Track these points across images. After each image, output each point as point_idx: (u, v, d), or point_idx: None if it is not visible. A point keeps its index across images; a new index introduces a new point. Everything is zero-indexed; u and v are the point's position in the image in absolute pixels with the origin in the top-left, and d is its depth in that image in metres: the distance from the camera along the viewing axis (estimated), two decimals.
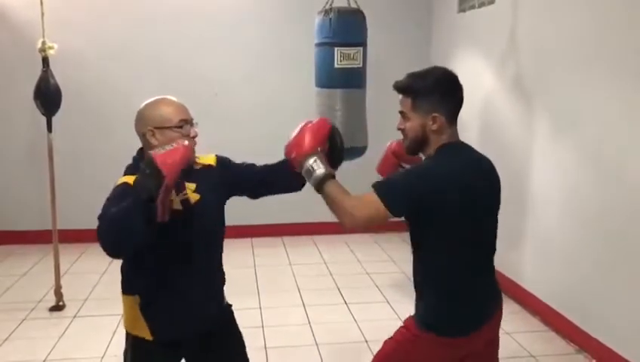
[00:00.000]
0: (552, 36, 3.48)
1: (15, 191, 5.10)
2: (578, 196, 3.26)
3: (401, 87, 1.81)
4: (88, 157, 5.13)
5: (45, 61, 3.58)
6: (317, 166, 1.74)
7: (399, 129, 1.85)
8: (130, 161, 1.93)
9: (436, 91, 1.76)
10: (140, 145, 1.90)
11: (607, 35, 3.02)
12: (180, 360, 1.96)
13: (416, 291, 1.88)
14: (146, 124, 1.81)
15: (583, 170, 3.22)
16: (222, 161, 1.99)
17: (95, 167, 5.14)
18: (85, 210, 5.16)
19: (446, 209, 1.69)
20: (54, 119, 3.70)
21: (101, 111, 5.11)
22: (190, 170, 1.81)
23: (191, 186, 1.84)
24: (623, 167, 2.90)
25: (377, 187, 1.70)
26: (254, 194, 2.05)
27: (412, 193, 1.69)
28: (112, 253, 1.62)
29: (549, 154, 3.53)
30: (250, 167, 2.02)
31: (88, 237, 5.03)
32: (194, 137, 1.82)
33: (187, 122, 1.82)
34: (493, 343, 1.92)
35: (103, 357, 3.16)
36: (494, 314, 1.86)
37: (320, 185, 1.73)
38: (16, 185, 5.09)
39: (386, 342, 1.90)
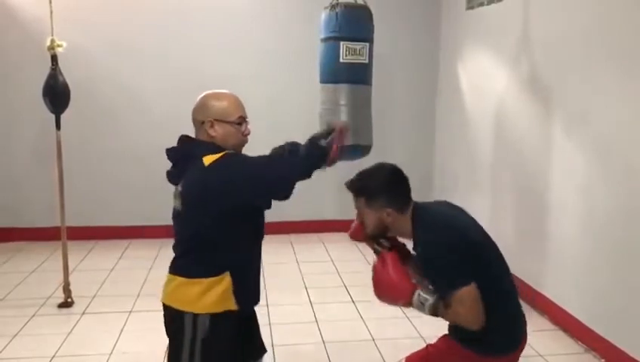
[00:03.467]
0: (563, 33, 3.45)
1: (24, 188, 5.13)
2: (589, 196, 3.24)
3: (353, 189, 2.07)
4: (97, 154, 5.15)
5: (54, 59, 3.59)
6: (424, 299, 1.90)
7: (358, 222, 2.10)
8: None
9: (384, 192, 2.00)
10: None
11: (619, 31, 2.99)
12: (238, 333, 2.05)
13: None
14: (208, 115, 1.90)
15: (595, 170, 3.19)
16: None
17: (103, 164, 5.17)
18: (94, 206, 5.25)
19: (478, 251, 1.93)
20: (63, 117, 3.72)
21: (110, 108, 5.12)
22: None
23: None
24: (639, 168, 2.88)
25: (452, 286, 1.86)
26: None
27: (462, 259, 1.88)
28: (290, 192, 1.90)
29: (564, 154, 3.49)
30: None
31: (97, 234, 5.16)
32: (247, 135, 1.96)
33: (244, 119, 1.95)
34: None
35: (111, 354, 3.17)
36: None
37: (435, 311, 1.91)
38: (26, 182, 5.12)
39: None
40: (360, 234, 2.16)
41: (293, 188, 1.90)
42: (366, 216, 2.03)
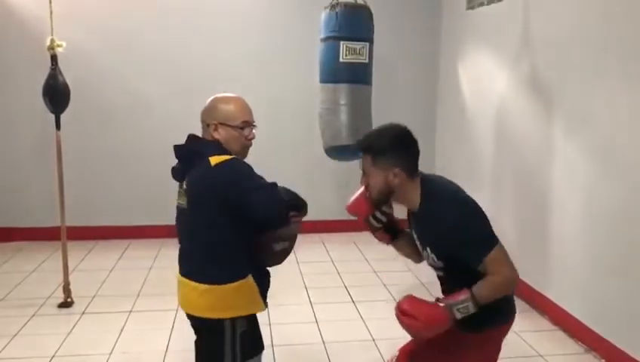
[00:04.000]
0: (563, 32, 3.45)
1: (24, 188, 5.13)
2: (589, 196, 3.23)
3: (362, 146, 1.97)
4: (97, 154, 5.15)
5: (54, 59, 3.59)
6: (464, 309, 1.81)
7: (363, 185, 1.99)
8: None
9: (393, 149, 1.91)
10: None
11: (619, 30, 2.98)
12: None
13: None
14: (213, 117, 1.94)
15: (596, 169, 3.19)
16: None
17: (104, 164, 5.17)
18: (94, 206, 5.24)
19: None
20: (63, 116, 3.71)
21: (109, 108, 5.12)
22: None
23: None
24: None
25: (486, 247, 1.84)
26: None
27: (484, 222, 1.90)
28: (274, 213, 1.94)
29: (564, 153, 3.49)
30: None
31: (97, 234, 5.15)
32: (251, 139, 1.99)
33: (249, 124, 1.97)
34: None
35: (111, 354, 3.17)
36: None
37: (478, 308, 1.82)
38: (26, 182, 5.12)
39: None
40: (360, 208, 2.05)
41: (276, 214, 1.96)
42: (372, 177, 1.93)
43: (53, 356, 3.15)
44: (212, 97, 2.01)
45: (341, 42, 3.86)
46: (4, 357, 3.14)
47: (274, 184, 1.96)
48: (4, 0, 4.93)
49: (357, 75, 3.95)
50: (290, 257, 4.17)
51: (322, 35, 4.01)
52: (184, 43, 5.14)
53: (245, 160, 2.02)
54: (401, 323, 1.84)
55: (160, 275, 4.24)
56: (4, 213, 5.10)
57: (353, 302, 3.90)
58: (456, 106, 4.99)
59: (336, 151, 4.09)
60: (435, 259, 1.95)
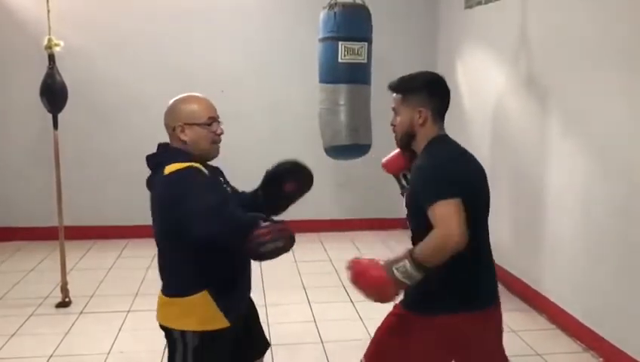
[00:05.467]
0: (561, 32, 3.45)
1: (22, 187, 5.12)
2: (587, 194, 3.24)
3: (393, 86, 2.00)
4: (95, 154, 5.15)
5: (51, 58, 3.58)
6: (402, 268, 1.72)
7: (392, 125, 2.00)
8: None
9: (423, 89, 1.94)
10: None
11: (617, 30, 2.99)
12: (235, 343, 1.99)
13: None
14: (177, 119, 1.88)
15: (592, 169, 3.19)
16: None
17: (101, 163, 5.16)
18: (92, 206, 5.24)
19: (470, 199, 1.78)
20: (60, 116, 3.71)
21: (107, 107, 5.12)
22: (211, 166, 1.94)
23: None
24: (636, 165, 2.88)
25: (437, 194, 1.73)
26: None
27: (456, 178, 1.79)
28: (217, 234, 1.70)
29: (561, 152, 3.49)
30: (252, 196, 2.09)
31: (95, 234, 5.14)
32: (220, 134, 1.92)
33: (215, 120, 1.91)
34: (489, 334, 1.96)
35: (108, 354, 3.16)
36: (488, 306, 1.92)
37: (420, 270, 1.72)
38: (24, 182, 5.12)
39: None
40: (393, 163, 2.11)
41: (215, 238, 1.71)
42: (400, 117, 1.95)
43: (51, 355, 3.14)
44: (171, 100, 1.93)
45: (340, 42, 3.86)
46: (2, 357, 3.13)
47: (223, 201, 1.77)
48: (2, 0, 4.93)
49: (356, 75, 3.95)
50: (289, 256, 4.16)
51: (321, 36, 4.01)
52: (183, 43, 5.14)
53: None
54: (354, 286, 1.85)
55: (158, 275, 4.22)
56: (2, 213, 5.09)
57: (351, 301, 3.90)
58: (453, 105, 4.96)
59: (336, 151, 4.09)
60: (405, 207, 1.94)
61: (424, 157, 1.90)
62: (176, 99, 1.93)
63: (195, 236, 1.70)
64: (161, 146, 1.96)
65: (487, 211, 1.97)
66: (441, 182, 1.78)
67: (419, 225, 1.85)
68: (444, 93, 1.99)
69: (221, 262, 1.84)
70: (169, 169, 1.80)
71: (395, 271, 1.72)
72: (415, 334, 1.89)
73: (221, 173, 2.02)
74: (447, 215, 1.70)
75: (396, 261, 1.74)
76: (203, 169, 1.84)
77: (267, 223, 1.71)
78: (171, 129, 1.90)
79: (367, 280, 1.79)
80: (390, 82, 2.01)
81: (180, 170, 1.79)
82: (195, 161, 1.85)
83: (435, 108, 1.94)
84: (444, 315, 1.84)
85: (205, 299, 1.83)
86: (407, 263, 1.71)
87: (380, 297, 1.79)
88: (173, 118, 1.89)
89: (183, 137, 1.87)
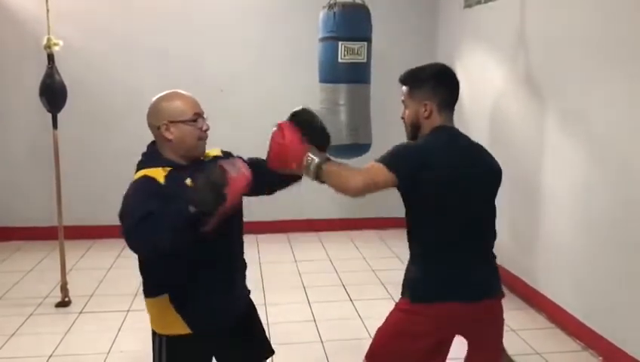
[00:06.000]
0: (560, 31, 3.46)
1: (22, 187, 5.12)
2: (586, 193, 3.24)
3: (401, 78, 2.04)
4: (94, 153, 5.14)
5: (50, 58, 3.58)
6: (310, 159, 1.84)
7: (402, 118, 2.04)
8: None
9: (429, 82, 1.95)
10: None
11: (616, 29, 2.99)
12: (214, 351, 1.97)
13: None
14: (161, 118, 1.82)
15: (591, 168, 3.20)
16: (227, 154, 1.99)
17: (101, 162, 5.16)
18: (91, 205, 5.23)
19: (434, 183, 1.84)
20: (60, 115, 3.71)
21: (107, 107, 5.12)
22: (200, 162, 1.85)
23: None
24: (635, 164, 2.88)
25: (381, 157, 1.86)
26: (264, 190, 2.05)
27: (410, 160, 1.86)
28: (145, 252, 1.69)
29: (558, 150, 3.50)
30: (260, 162, 1.98)
31: (94, 234, 5.14)
32: (206, 130, 1.87)
33: (200, 115, 1.86)
34: (486, 327, 1.98)
35: (108, 353, 3.17)
36: (479, 301, 1.92)
37: (319, 171, 1.83)
38: (23, 182, 5.12)
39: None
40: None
41: (150, 250, 1.65)
42: (407, 110, 1.99)
43: (51, 355, 3.14)
44: (153, 99, 1.88)
45: (339, 42, 3.86)
46: (2, 357, 3.14)
47: (148, 213, 1.59)
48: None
49: (356, 75, 3.95)
50: (288, 256, 4.15)
51: (320, 35, 4.01)
52: (183, 43, 5.13)
53: (236, 154, 1.96)
54: (272, 137, 1.88)
55: None
56: (1, 212, 5.09)
57: (351, 300, 3.90)
58: None
59: (336, 151, 4.07)
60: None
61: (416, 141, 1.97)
62: (158, 97, 1.86)
63: (137, 253, 1.70)
64: (148, 146, 1.93)
65: (468, 212, 1.91)
66: (393, 154, 1.87)
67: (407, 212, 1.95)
68: (451, 84, 1.99)
69: (177, 270, 1.80)
70: (136, 175, 1.80)
71: (305, 159, 1.83)
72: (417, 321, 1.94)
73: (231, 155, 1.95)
74: (370, 172, 1.83)
75: (313, 150, 1.85)
76: (158, 178, 1.75)
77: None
78: (156, 128, 1.84)
79: (285, 147, 1.85)
80: (400, 75, 2.05)
81: (137, 179, 1.78)
82: (169, 164, 1.80)
83: (442, 101, 1.96)
84: (415, 299, 1.94)
85: (163, 303, 1.84)
86: (313, 160, 1.83)
87: (278, 153, 1.85)
88: (157, 117, 1.83)
89: (169, 135, 1.81)
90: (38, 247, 4.83)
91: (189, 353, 1.87)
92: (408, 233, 2.02)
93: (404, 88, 2.00)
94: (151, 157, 1.86)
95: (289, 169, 1.88)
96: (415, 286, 1.95)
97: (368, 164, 1.87)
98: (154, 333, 1.93)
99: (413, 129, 1.99)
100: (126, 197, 1.72)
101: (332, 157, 1.89)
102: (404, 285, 2.02)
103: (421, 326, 1.90)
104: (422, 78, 1.97)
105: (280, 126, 1.90)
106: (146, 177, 1.76)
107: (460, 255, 1.91)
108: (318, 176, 1.84)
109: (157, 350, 1.91)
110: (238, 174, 1.63)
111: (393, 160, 1.85)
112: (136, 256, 1.83)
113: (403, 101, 2.02)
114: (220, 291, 1.88)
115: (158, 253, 1.67)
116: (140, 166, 1.84)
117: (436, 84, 1.96)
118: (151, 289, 1.89)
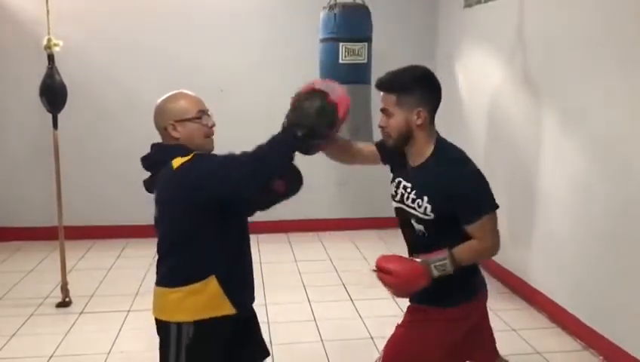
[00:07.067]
0: (560, 30, 3.46)
1: (22, 187, 5.12)
2: (586, 193, 3.24)
3: (385, 84, 1.89)
4: (94, 153, 5.14)
5: (51, 58, 3.58)
6: (441, 267, 1.83)
7: (380, 127, 1.94)
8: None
9: (420, 87, 1.86)
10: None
11: (615, 28, 2.99)
12: (237, 340, 2.00)
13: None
14: (167, 118, 1.88)
15: (591, 167, 3.20)
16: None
17: (101, 163, 5.16)
18: (92, 206, 5.23)
19: None
20: (60, 116, 3.71)
21: (107, 107, 5.12)
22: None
23: None
24: (635, 163, 2.88)
25: (484, 208, 1.87)
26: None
27: (489, 188, 1.92)
28: (262, 181, 1.84)
29: (558, 150, 3.50)
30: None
31: (94, 234, 5.15)
32: (212, 127, 1.93)
33: (204, 112, 1.91)
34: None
35: (109, 354, 3.17)
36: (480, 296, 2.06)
37: (455, 265, 1.85)
38: (24, 182, 5.11)
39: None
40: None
41: (255, 184, 1.83)
42: (393, 117, 1.87)
43: (51, 356, 3.14)
44: (158, 101, 1.92)
45: (340, 43, 3.87)
46: (2, 357, 3.14)
47: (238, 156, 1.83)
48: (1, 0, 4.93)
49: (356, 75, 3.96)
50: (288, 256, 4.16)
51: (321, 36, 4.02)
52: (183, 43, 5.13)
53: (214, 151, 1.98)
54: (382, 281, 1.88)
55: None
56: (1, 213, 5.09)
57: (351, 300, 3.90)
58: (452, 103, 4.98)
59: None
60: (429, 211, 1.88)
61: (453, 163, 1.89)
62: (163, 99, 1.92)
63: (239, 193, 1.80)
64: (155, 146, 1.95)
65: None
66: (488, 192, 1.88)
67: (440, 225, 1.89)
68: (439, 89, 1.92)
69: (227, 250, 1.89)
70: (178, 162, 1.81)
71: (434, 269, 1.82)
72: (419, 321, 2.00)
73: None
74: (490, 230, 1.86)
75: (436, 259, 1.84)
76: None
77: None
78: (163, 129, 1.89)
79: (410, 277, 1.85)
80: (379, 79, 1.90)
81: (189, 159, 1.81)
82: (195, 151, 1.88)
83: (432, 107, 1.90)
84: (452, 306, 1.95)
85: (212, 285, 1.85)
86: (448, 264, 1.82)
87: (408, 287, 1.87)
88: (163, 117, 1.88)
89: (176, 135, 1.86)
90: (38, 248, 4.83)
91: (223, 334, 1.90)
92: (428, 247, 1.90)
93: (389, 95, 1.87)
94: (178, 148, 1.86)
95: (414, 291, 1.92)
96: (462, 289, 1.96)
97: (483, 222, 1.86)
98: (168, 326, 1.88)
99: (403, 139, 1.89)
100: (201, 164, 1.80)
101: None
102: (441, 295, 1.93)
103: (464, 322, 1.99)
104: (412, 83, 1.86)
105: (379, 267, 1.93)
106: (199, 155, 1.84)
107: None
108: (456, 268, 1.85)
109: (174, 341, 1.87)
110: (341, 95, 1.80)
111: (493, 198, 1.89)
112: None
113: (384, 109, 1.90)
114: (251, 274, 2.00)
115: (267, 183, 1.86)
116: (171, 157, 1.83)
117: (426, 89, 1.88)
118: (191, 274, 1.86)
